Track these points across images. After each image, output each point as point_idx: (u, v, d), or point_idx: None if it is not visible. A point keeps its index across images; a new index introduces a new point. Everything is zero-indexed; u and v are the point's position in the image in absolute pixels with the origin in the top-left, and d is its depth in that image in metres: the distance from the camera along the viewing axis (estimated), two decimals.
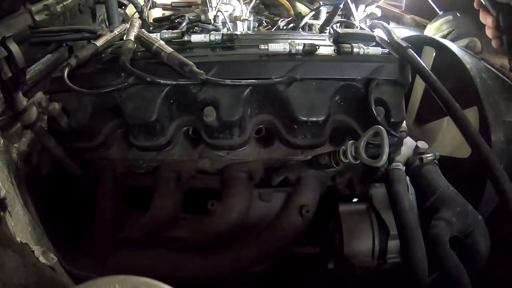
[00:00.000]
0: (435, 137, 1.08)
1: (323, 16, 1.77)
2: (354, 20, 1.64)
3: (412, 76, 0.90)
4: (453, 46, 1.05)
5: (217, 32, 0.98)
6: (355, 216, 0.94)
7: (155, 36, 0.93)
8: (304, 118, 0.84)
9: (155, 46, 0.86)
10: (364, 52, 0.90)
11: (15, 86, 0.75)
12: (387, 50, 0.93)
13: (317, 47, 0.89)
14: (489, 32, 0.95)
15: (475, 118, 0.92)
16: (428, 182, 0.86)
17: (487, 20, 0.93)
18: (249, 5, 1.68)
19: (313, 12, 1.74)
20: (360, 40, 0.94)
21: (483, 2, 0.91)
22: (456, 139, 1.01)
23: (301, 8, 1.94)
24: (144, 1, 1.65)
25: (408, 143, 0.95)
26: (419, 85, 1.16)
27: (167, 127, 0.88)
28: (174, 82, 0.83)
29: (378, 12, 1.74)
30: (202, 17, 1.59)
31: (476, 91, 0.92)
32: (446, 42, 1.09)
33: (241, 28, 1.65)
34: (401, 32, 1.19)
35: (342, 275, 0.98)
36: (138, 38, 0.90)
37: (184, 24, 1.47)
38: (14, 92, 0.76)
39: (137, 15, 1.64)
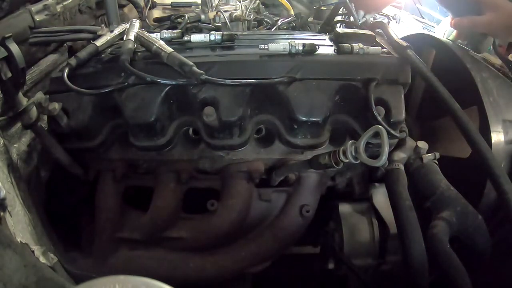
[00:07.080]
0: (436, 137, 1.08)
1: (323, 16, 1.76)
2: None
3: (412, 76, 0.90)
4: (453, 46, 1.05)
5: (217, 32, 0.97)
6: (355, 216, 0.94)
7: (155, 36, 0.93)
8: (304, 118, 0.84)
9: (155, 46, 0.86)
10: (364, 52, 0.90)
11: (15, 86, 0.75)
12: (387, 50, 0.93)
13: (317, 47, 0.89)
14: None
15: (475, 118, 0.92)
16: (428, 182, 0.86)
17: None
18: (249, 5, 1.68)
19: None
20: (360, 40, 0.94)
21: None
22: (456, 139, 1.01)
23: (301, 8, 1.94)
24: (144, 1, 1.64)
25: (408, 143, 0.95)
26: (419, 85, 1.16)
27: (167, 127, 0.88)
28: (174, 82, 0.83)
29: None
30: (202, 17, 1.59)
31: (476, 91, 0.92)
32: (446, 42, 1.09)
33: (241, 28, 1.65)
34: (401, 32, 1.19)
35: (342, 275, 0.98)
36: (138, 38, 0.90)
37: (184, 24, 1.47)
38: (14, 92, 0.76)
39: (137, 15, 1.63)
